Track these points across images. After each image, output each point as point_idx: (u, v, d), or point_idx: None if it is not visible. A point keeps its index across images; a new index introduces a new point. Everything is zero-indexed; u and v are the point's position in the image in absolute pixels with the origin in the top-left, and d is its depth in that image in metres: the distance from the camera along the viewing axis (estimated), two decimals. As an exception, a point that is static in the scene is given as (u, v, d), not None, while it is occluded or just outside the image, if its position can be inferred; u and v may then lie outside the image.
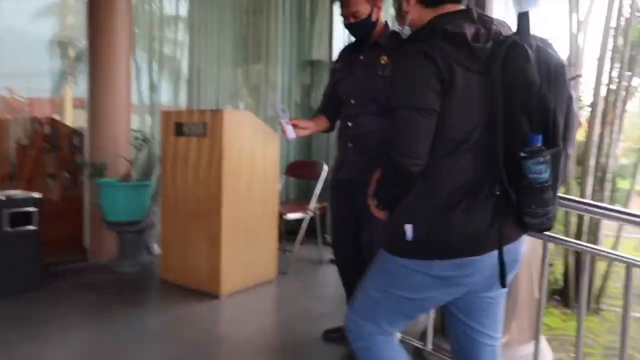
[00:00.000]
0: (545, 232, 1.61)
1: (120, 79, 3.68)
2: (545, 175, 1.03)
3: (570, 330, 2.89)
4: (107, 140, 3.64)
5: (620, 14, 3.37)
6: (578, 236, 3.34)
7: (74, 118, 7.28)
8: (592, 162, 3.39)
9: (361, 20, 2.05)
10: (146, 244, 3.69)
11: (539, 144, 1.03)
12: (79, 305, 2.80)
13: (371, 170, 1.37)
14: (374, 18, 2.06)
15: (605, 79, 3.46)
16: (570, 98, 1.10)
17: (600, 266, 3.44)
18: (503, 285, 1.18)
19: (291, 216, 3.47)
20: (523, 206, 1.08)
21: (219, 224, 2.87)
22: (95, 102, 3.66)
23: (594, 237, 3.27)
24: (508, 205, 1.11)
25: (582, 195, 3.40)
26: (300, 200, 4.28)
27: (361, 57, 2.11)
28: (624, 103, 3.45)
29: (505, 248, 1.14)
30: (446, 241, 1.14)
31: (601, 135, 3.44)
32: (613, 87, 3.45)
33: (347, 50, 2.24)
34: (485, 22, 1.17)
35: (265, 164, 3.11)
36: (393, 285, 1.24)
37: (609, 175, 3.38)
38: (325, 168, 3.66)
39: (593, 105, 3.43)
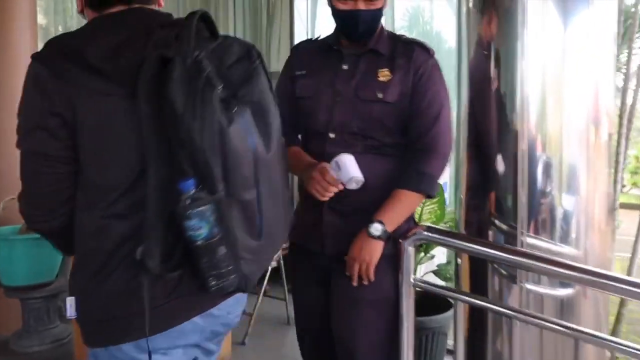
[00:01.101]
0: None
1: (19, 87, 2.83)
2: (203, 231, 0.83)
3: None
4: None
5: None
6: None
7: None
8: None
9: (375, 9, 1.38)
10: (62, 309, 2.87)
11: (192, 192, 0.83)
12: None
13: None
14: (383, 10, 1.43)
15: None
16: (221, 127, 0.83)
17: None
18: None
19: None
20: (200, 270, 0.88)
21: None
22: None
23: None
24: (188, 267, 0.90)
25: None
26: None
27: (344, 68, 1.44)
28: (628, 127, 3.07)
29: (200, 318, 0.96)
30: (113, 320, 0.91)
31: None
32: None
33: (313, 53, 1.51)
34: (151, 27, 0.89)
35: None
36: None
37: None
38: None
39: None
